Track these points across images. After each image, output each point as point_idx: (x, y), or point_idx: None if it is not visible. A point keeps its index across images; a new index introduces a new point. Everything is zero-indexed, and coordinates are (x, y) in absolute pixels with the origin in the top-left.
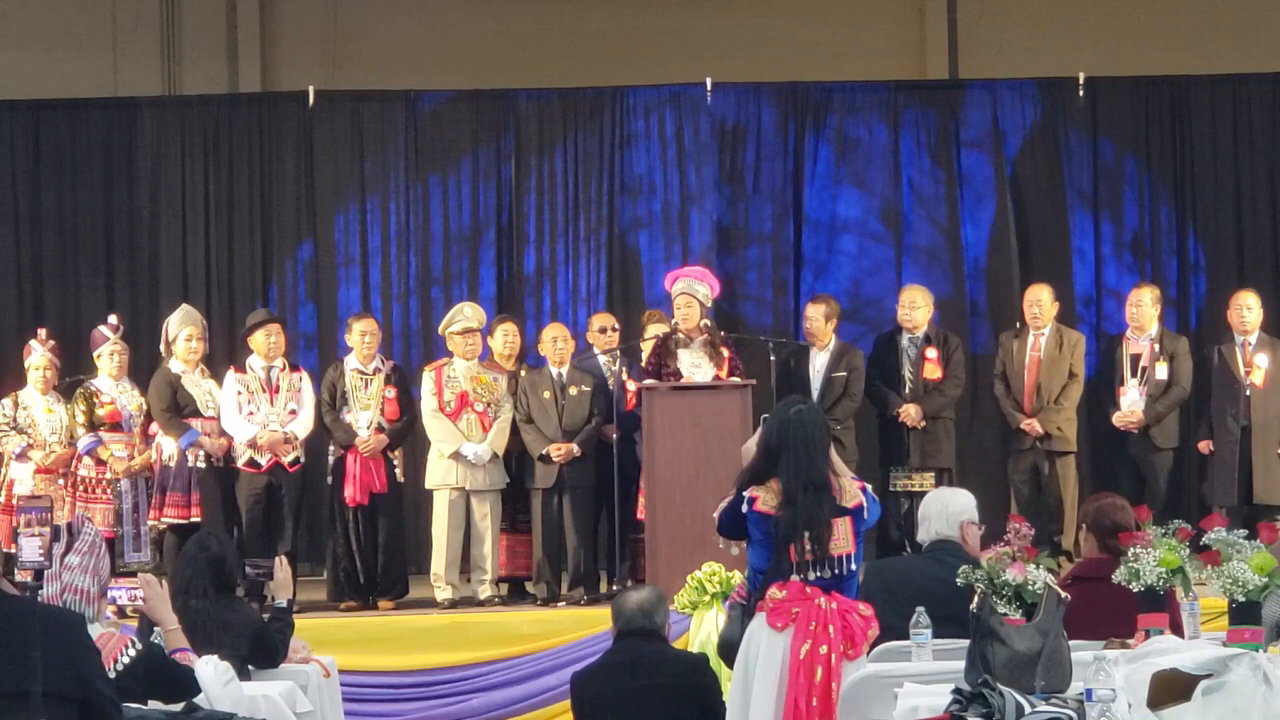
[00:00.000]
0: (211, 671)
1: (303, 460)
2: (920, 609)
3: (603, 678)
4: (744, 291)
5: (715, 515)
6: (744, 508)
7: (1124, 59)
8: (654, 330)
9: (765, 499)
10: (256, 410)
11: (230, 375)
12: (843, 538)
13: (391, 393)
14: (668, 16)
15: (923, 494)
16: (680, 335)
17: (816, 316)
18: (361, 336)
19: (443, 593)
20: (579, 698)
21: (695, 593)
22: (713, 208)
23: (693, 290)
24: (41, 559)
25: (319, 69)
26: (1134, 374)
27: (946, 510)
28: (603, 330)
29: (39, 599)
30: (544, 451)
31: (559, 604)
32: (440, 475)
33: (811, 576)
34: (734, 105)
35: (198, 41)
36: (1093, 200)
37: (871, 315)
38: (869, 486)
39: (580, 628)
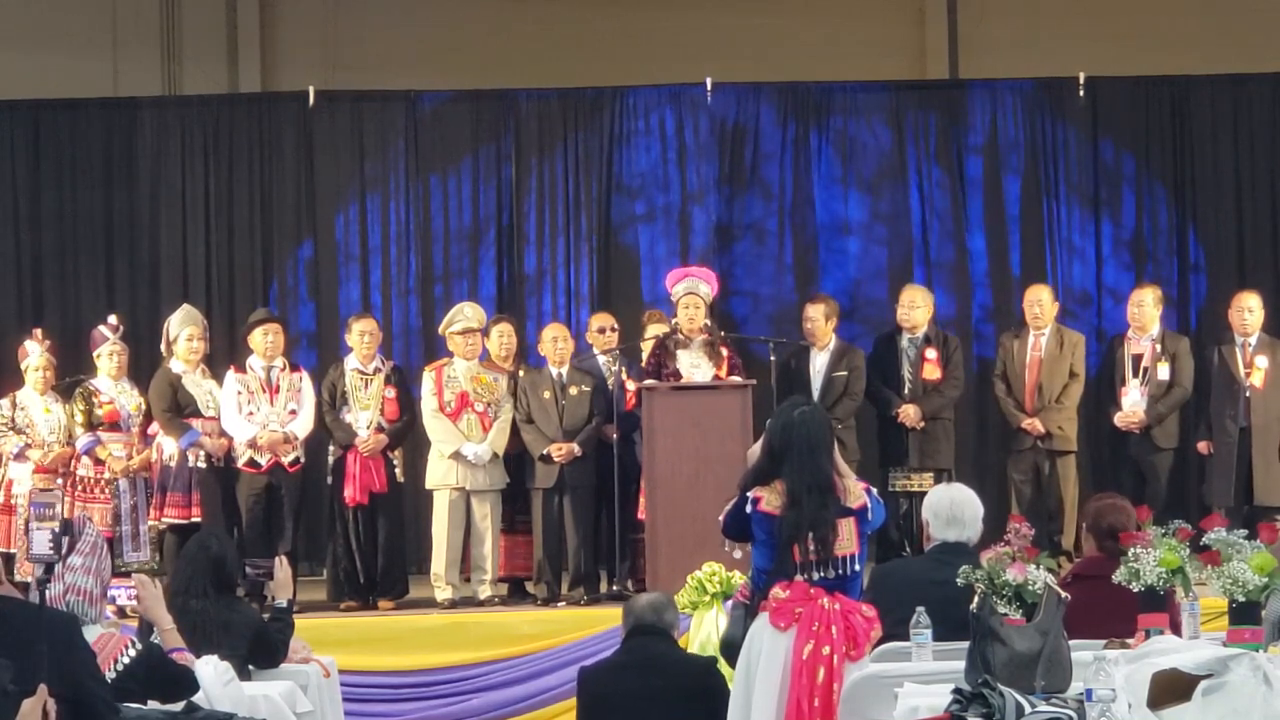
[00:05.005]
0: (211, 671)
1: (303, 460)
2: (920, 609)
3: (612, 676)
4: (743, 291)
5: (720, 519)
6: (747, 508)
7: (1124, 59)
8: (654, 330)
9: (769, 499)
10: (256, 410)
11: (230, 375)
12: (847, 538)
13: (391, 393)
14: (668, 16)
15: (922, 494)
16: (680, 335)
17: (816, 316)
18: (361, 336)
19: (443, 593)
20: (587, 693)
21: (695, 593)
22: (713, 207)
23: (697, 291)
24: (51, 553)
25: (319, 69)
26: (1135, 374)
27: (977, 515)
28: (602, 330)
29: (47, 595)
30: (545, 451)
31: (559, 604)
32: (440, 475)
33: (815, 577)
34: (734, 105)
35: (198, 41)
36: (1093, 200)
37: (872, 315)
38: (874, 489)
39: (580, 628)
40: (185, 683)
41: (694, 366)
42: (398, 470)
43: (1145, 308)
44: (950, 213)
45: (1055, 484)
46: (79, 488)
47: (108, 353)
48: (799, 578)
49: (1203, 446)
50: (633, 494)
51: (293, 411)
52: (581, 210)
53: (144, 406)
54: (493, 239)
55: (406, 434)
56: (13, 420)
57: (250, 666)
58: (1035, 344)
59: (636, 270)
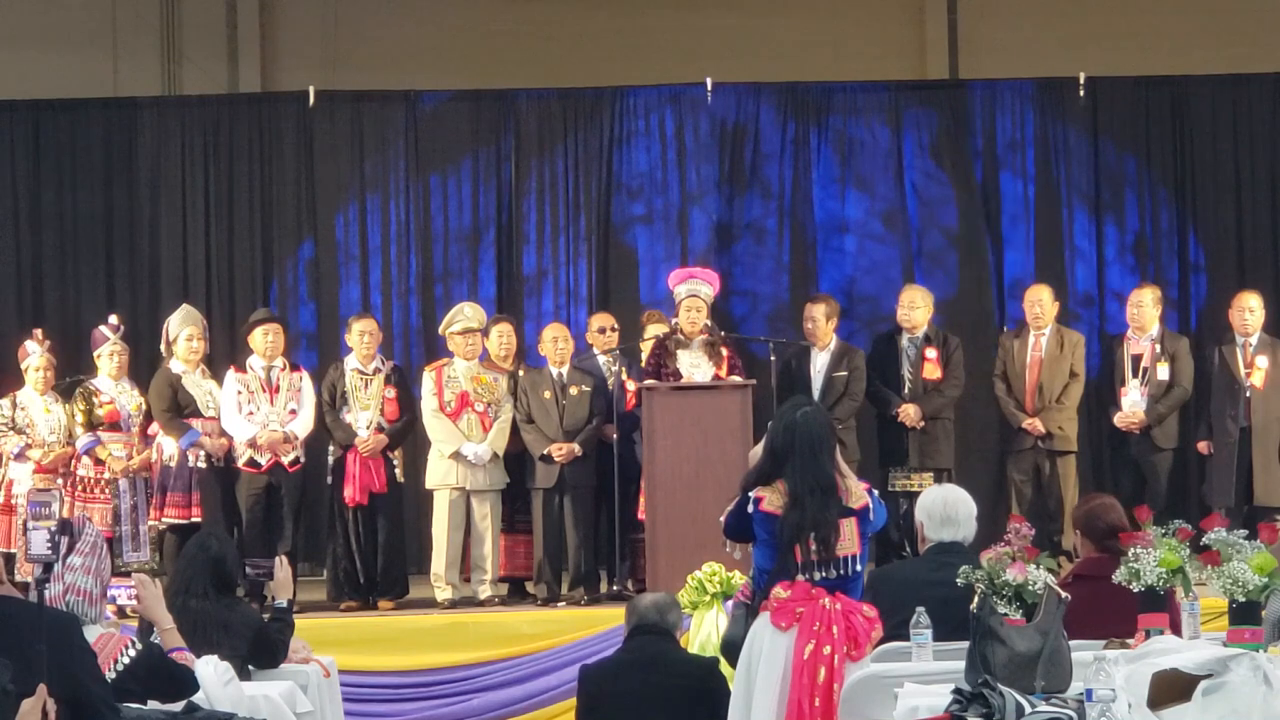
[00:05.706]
0: (211, 671)
1: (303, 460)
2: (920, 609)
3: (613, 674)
4: (743, 291)
5: (721, 520)
6: (749, 508)
7: (1124, 59)
8: (654, 330)
9: (771, 499)
10: (256, 410)
11: (230, 375)
12: (848, 539)
13: (391, 393)
14: (668, 16)
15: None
16: (680, 335)
17: (817, 316)
18: (361, 336)
19: (443, 593)
20: (587, 691)
21: (695, 593)
22: (712, 207)
23: (699, 293)
24: (49, 553)
25: (319, 69)
26: (1135, 374)
27: (971, 513)
28: (602, 330)
29: (47, 595)
30: (545, 451)
31: (559, 604)
32: (440, 475)
33: (817, 577)
34: (734, 105)
35: (198, 41)
36: (1093, 201)
37: (872, 315)
38: (875, 490)
39: (580, 628)
40: (185, 682)
41: (694, 366)
42: (398, 470)
43: (1144, 308)
44: (949, 213)
45: (1055, 484)
46: (79, 488)
47: (108, 353)
48: (800, 578)
49: (1203, 446)
50: (633, 494)
51: (293, 411)
52: (581, 211)
53: (144, 406)
54: (492, 239)
55: (406, 434)
56: (13, 420)
57: (250, 666)
58: (1035, 344)
59: (636, 270)
